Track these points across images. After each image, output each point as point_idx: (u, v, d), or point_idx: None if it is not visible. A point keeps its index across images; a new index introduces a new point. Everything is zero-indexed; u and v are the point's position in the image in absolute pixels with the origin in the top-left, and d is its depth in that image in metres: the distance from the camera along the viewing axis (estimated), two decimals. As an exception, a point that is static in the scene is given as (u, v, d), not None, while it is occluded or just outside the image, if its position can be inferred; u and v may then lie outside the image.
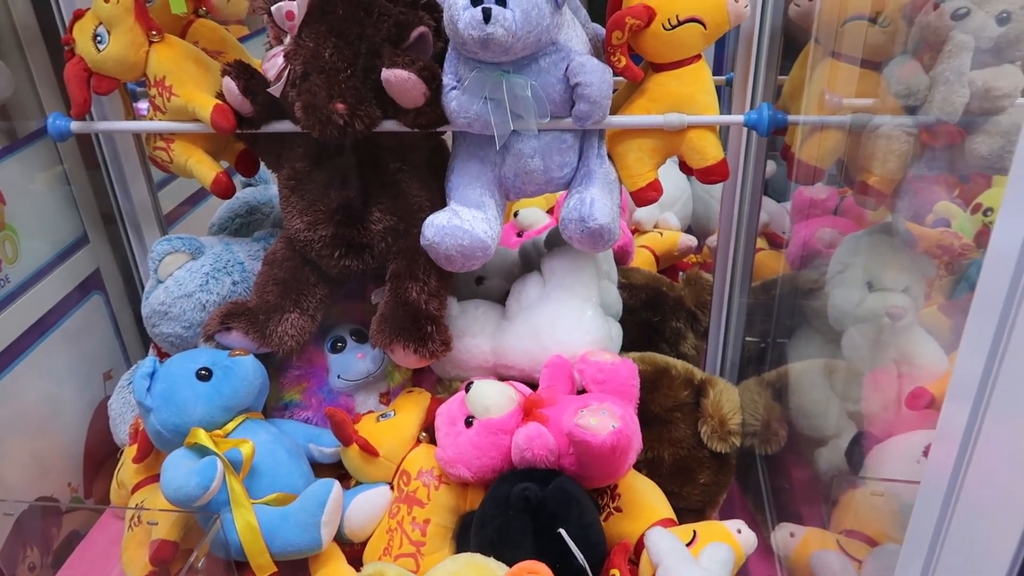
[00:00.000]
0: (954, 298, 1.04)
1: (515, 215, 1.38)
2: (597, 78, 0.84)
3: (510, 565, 0.74)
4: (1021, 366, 0.37)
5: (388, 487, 0.93)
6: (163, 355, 1.04)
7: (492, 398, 0.87)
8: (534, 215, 1.36)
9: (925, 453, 0.81)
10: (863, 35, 0.88)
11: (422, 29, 0.86)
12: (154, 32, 0.94)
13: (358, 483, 0.95)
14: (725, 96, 1.09)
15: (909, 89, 0.84)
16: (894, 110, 0.86)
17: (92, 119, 1.03)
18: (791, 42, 1.00)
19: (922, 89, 0.83)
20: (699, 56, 0.89)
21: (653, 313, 1.15)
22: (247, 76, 0.89)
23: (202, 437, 0.86)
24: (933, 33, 0.82)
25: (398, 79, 0.83)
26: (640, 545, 0.81)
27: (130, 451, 1.00)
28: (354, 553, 0.91)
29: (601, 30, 0.95)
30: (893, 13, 0.87)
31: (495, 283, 1.12)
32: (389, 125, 0.90)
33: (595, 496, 0.87)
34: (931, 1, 0.82)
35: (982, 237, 1.13)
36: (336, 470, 0.96)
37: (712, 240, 1.48)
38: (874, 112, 0.89)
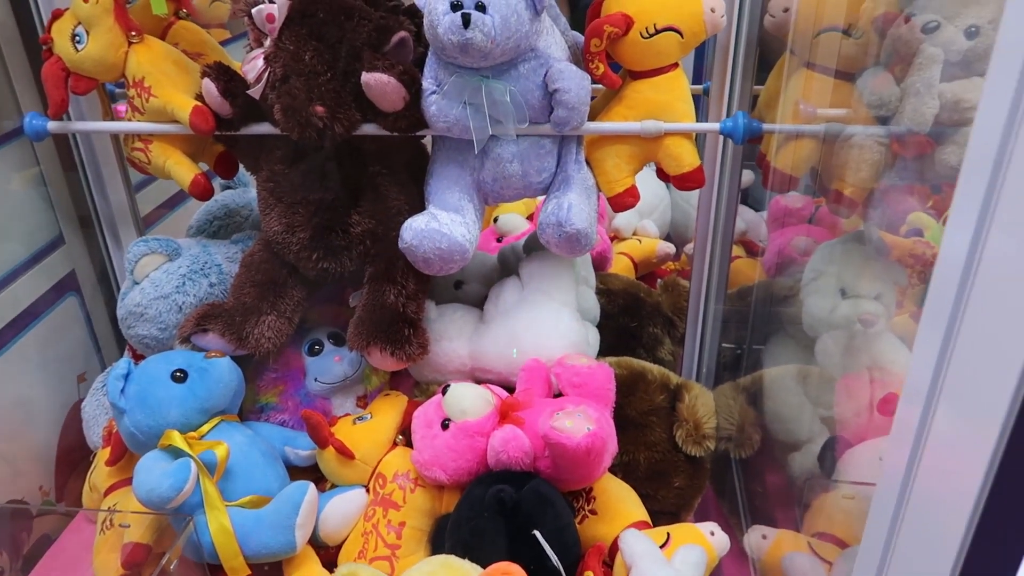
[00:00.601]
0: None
1: (495, 221, 1.39)
2: (576, 84, 0.85)
3: (484, 567, 0.74)
4: (966, 371, 0.38)
5: (364, 490, 0.93)
6: (138, 357, 1.03)
7: (469, 401, 0.87)
8: (514, 221, 1.37)
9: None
10: (837, 46, 0.90)
11: (402, 34, 0.87)
12: (133, 33, 0.94)
13: (334, 486, 0.95)
14: (703, 105, 1.11)
15: (881, 100, 0.86)
16: (866, 120, 0.87)
17: (70, 119, 1.03)
18: (767, 53, 1.02)
19: (893, 100, 0.85)
20: (676, 64, 0.91)
21: (631, 319, 1.16)
22: (227, 78, 0.89)
23: (176, 439, 0.85)
24: (904, 45, 0.84)
25: (378, 83, 0.84)
26: (614, 547, 0.82)
27: (103, 454, 0.99)
28: (329, 556, 0.91)
29: (580, 38, 0.96)
30: (866, 25, 0.88)
31: (473, 288, 1.12)
32: (368, 128, 0.90)
33: (570, 499, 0.88)
34: (902, 14, 0.84)
35: (953, 247, 1.16)
36: (312, 473, 0.96)
37: (690, 247, 1.49)
38: (847, 122, 0.91)
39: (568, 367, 0.91)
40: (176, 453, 0.85)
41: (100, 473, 0.99)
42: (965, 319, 0.38)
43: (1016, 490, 0.36)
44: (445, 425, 0.88)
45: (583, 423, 0.79)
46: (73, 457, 1.14)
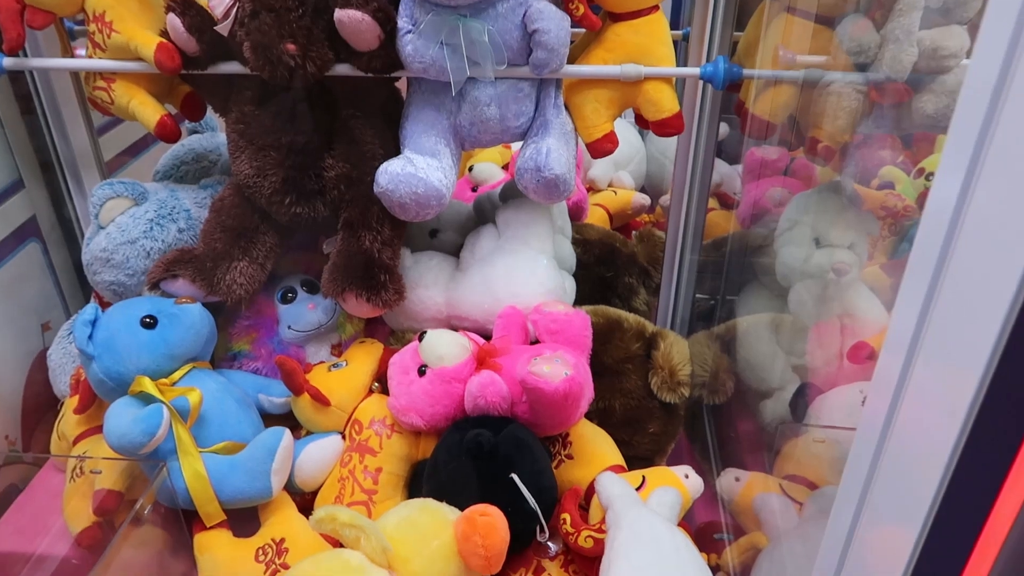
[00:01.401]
0: (895, 257, 1.07)
1: (470, 170, 1.37)
2: (555, 25, 0.83)
3: (462, 510, 0.74)
4: (949, 321, 0.38)
5: (340, 436, 0.92)
6: (104, 304, 1.00)
7: (446, 347, 0.87)
8: (489, 170, 1.35)
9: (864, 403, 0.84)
10: (818, -9, 0.89)
11: (377, -31, 0.84)
12: (92, -37, 0.89)
13: (309, 433, 0.95)
14: (681, 52, 1.10)
15: (860, 46, 0.85)
16: (846, 67, 0.87)
17: (26, 56, 0.98)
18: (747, -2, 1.01)
19: (873, 47, 0.84)
20: (657, 7, 0.89)
21: (606, 268, 1.16)
22: (192, 13, 0.86)
23: (147, 385, 0.84)
24: (885, -9, 0.83)
25: (351, 20, 0.81)
26: (590, 490, 0.83)
27: (71, 402, 0.97)
28: (305, 503, 0.91)
29: (559, -22, 0.94)
30: (847, -30, 0.88)
31: (449, 236, 1.11)
32: (342, 69, 0.87)
33: (547, 444, 0.88)
34: (884, -41, 0.83)
35: (924, 200, 1.17)
36: (287, 421, 0.95)
37: (665, 199, 1.49)
38: (826, 68, 0.90)
39: (545, 314, 0.90)
40: (147, 399, 0.83)
41: (68, 421, 0.98)
42: (951, 269, 0.38)
43: (991, 440, 0.37)
44: (422, 371, 0.87)
45: (561, 368, 0.80)
46: (39, 406, 1.11)
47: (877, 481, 0.46)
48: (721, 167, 1.47)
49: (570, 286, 1.04)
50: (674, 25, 1.18)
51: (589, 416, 0.95)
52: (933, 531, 0.39)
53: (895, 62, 0.83)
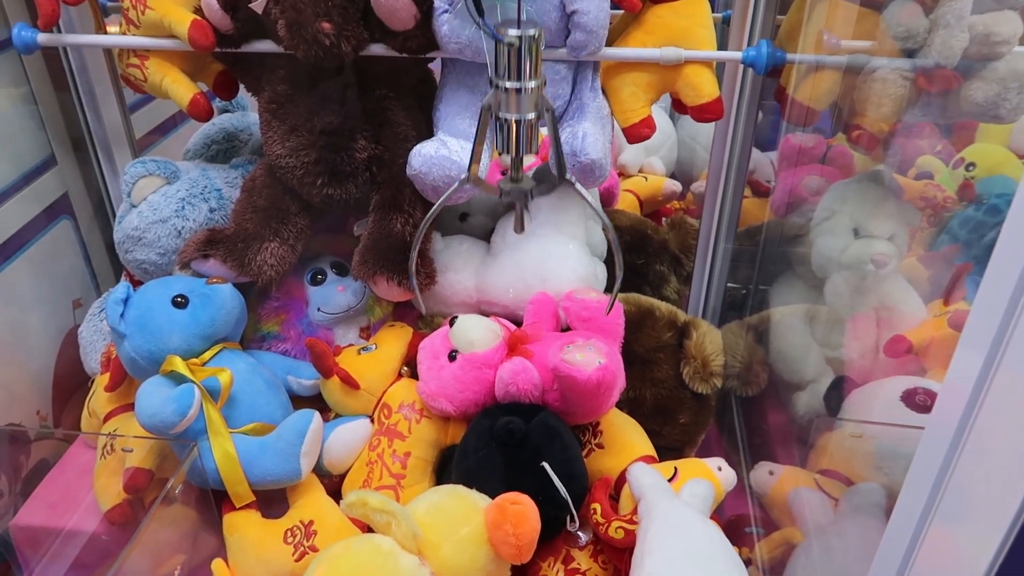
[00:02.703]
0: (934, 249, 1.05)
1: (500, 154, 1.35)
2: (595, 6, 0.81)
3: (492, 497, 0.74)
4: None
5: (368, 420, 0.92)
6: (135, 282, 1.00)
7: (476, 332, 0.86)
8: (519, 155, 1.33)
9: (903, 398, 0.82)
10: (865, -26, 0.87)
11: (414, -53, 0.82)
12: (127, -61, 0.89)
13: (337, 416, 0.94)
14: (721, 35, 1.07)
15: (908, 31, 0.82)
16: (892, 52, 0.84)
17: (60, 32, 0.98)
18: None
19: (921, 32, 0.82)
20: (699, -12, 0.87)
21: (637, 255, 1.14)
22: (227, -10, 0.85)
23: (178, 364, 0.84)
24: (935, -27, 0.80)
25: (388, -1, 0.80)
26: (621, 480, 0.82)
27: (102, 379, 0.98)
28: (333, 485, 0.91)
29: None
30: (896, -48, 0.85)
31: (479, 220, 1.10)
32: (376, 49, 0.86)
33: (577, 433, 0.87)
34: (935, -59, 0.81)
35: (964, 191, 1.14)
36: (315, 403, 0.95)
37: (696, 186, 1.47)
38: (872, 54, 0.88)
39: (577, 301, 0.89)
40: (178, 379, 0.83)
41: (99, 399, 0.98)
42: None
43: None
44: (452, 356, 0.87)
45: (594, 356, 0.78)
46: (70, 383, 1.12)
47: (951, 482, 0.43)
48: (754, 154, 1.44)
49: (601, 273, 1.02)
50: (714, 7, 1.16)
51: (620, 405, 0.94)
52: (1021, 535, 0.37)
53: (945, 48, 0.80)
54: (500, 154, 0.70)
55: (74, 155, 1.14)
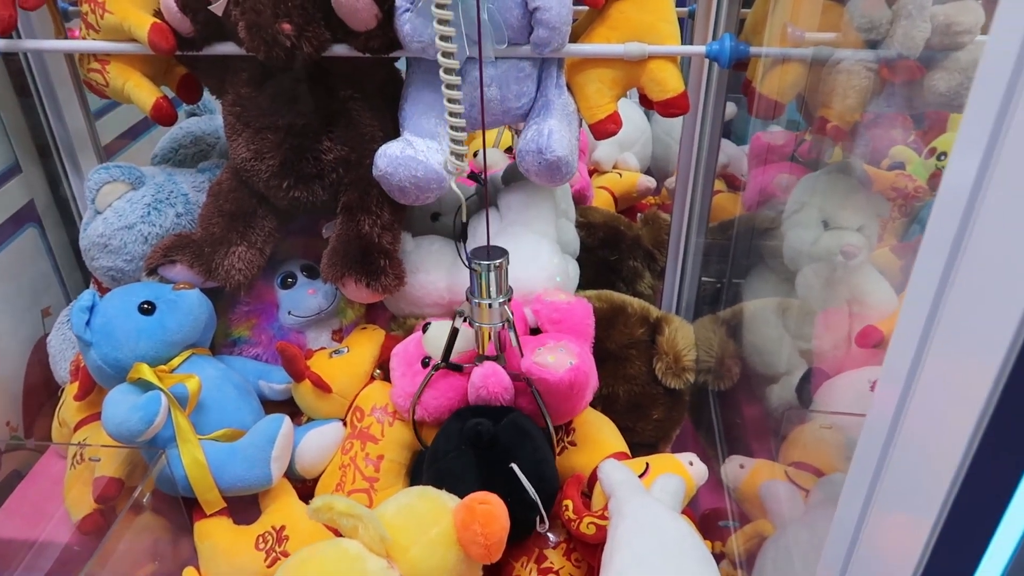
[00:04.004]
0: (906, 239, 1.05)
1: (475, 155, 1.35)
2: (556, 2, 0.81)
3: (462, 498, 0.73)
4: (965, 303, 0.36)
5: (341, 423, 0.92)
6: (104, 290, 0.99)
7: (443, 333, 0.85)
8: (492, 156, 1.33)
9: (873, 388, 0.83)
10: (828, -34, 0.87)
11: (374, -54, 0.82)
12: (84, -57, 0.87)
13: (310, 420, 0.94)
14: (687, 30, 1.07)
15: (871, 22, 0.83)
16: (856, 44, 0.85)
17: (19, 37, 0.97)
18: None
19: (884, 23, 0.82)
20: (662, -17, 0.87)
21: (610, 252, 1.14)
22: (186, -8, 0.84)
23: (145, 372, 0.83)
24: (897, -35, 0.80)
25: (348, -2, 0.79)
26: (593, 477, 0.82)
27: (71, 388, 0.97)
28: (306, 490, 0.90)
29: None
30: (858, -56, 0.85)
31: (451, 219, 1.09)
32: (339, 49, 0.85)
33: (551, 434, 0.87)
34: (896, -68, 0.81)
35: (935, 180, 1.15)
36: (287, 407, 0.94)
37: (670, 182, 1.47)
38: (836, 46, 0.88)
39: (547, 303, 0.89)
40: (146, 386, 0.83)
41: (69, 408, 0.97)
42: (968, 248, 0.36)
43: (1011, 427, 0.35)
44: (425, 363, 0.86)
45: (566, 357, 0.78)
46: (40, 393, 1.11)
47: (889, 469, 0.44)
48: (728, 148, 1.44)
49: (574, 271, 1.02)
50: (680, 2, 1.16)
51: (593, 403, 0.94)
52: (949, 520, 0.37)
53: (907, 38, 0.81)
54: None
55: (39, 161, 1.12)
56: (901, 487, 0.43)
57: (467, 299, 0.80)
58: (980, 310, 0.36)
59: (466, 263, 0.79)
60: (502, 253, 0.78)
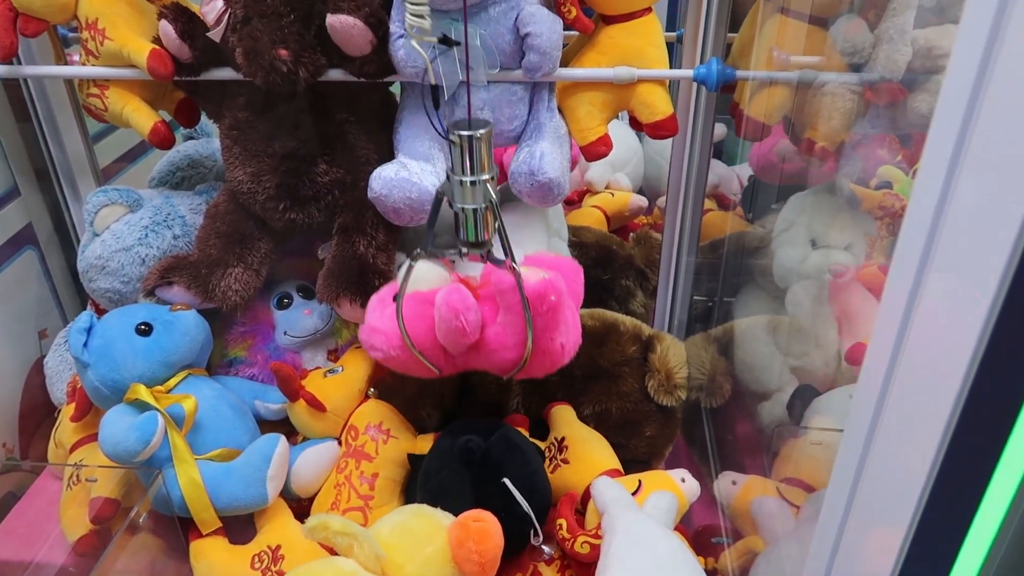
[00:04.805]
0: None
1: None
2: (547, 28, 0.83)
3: (457, 515, 0.74)
4: (932, 322, 0.38)
5: (336, 442, 0.92)
6: (101, 311, 1.00)
7: (423, 272, 0.78)
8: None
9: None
10: (811, -9, 0.89)
11: (368, -26, 0.84)
12: (85, -29, 0.89)
13: (305, 439, 0.94)
14: (676, 53, 1.09)
15: (854, 46, 0.85)
16: (840, 67, 0.87)
17: (20, 63, 0.98)
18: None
19: (867, 47, 0.84)
20: (649, 9, 0.89)
21: (603, 271, 1.16)
22: (185, 19, 0.86)
23: (142, 393, 0.84)
24: (878, -10, 0.83)
25: (343, 25, 0.81)
26: (587, 495, 0.82)
27: (68, 410, 0.97)
28: (301, 509, 0.91)
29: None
30: (840, -30, 0.87)
31: (445, 240, 1.10)
32: (335, 74, 0.87)
33: (542, 449, 0.88)
34: (877, -41, 0.83)
35: (922, 199, 1.17)
36: (282, 427, 0.95)
37: (662, 201, 1.49)
38: (821, 69, 0.90)
39: (534, 258, 0.82)
40: (142, 407, 0.83)
41: (65, 429, 0.98)
42: (932, 268, 0.38)
43: (975, 442, 0.37)
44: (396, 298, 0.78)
45: (540, 273, 0.73)
46: (37, 414, 1.11)
47: (864, 484, 0.46)
48: (719, 168, 1.46)
49: (566, 289, 1.03)
50: (671, 26, 1.18)
51: (586, 420, 0.95)
52: (919, 534, 0.39)
53: (889, 62, 0.83)
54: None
55: (38, 185, 1.14)
56: (875, 500, 0.45)
57: (447, 177, 0.72)
58: (945, 328, 0.37)
59: (441, 133, 0.70)
60: (484, 124, 0.69)
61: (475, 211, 0.72)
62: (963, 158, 0.36)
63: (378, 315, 0.79)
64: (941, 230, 0.37)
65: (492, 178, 0.71)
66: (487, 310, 0.77)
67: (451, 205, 0.73)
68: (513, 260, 0.73)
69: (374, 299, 0.83)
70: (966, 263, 0.36)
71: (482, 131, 0.68)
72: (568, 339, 0.77)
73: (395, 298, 0.79)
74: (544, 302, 0.72)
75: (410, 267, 0.77)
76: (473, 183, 0.70)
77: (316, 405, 0.91)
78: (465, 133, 0.68)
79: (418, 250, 0.77)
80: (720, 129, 1.28)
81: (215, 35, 0.85)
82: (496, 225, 0.74)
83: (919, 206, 0.38)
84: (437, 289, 0.78)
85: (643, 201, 1.45)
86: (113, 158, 1.28)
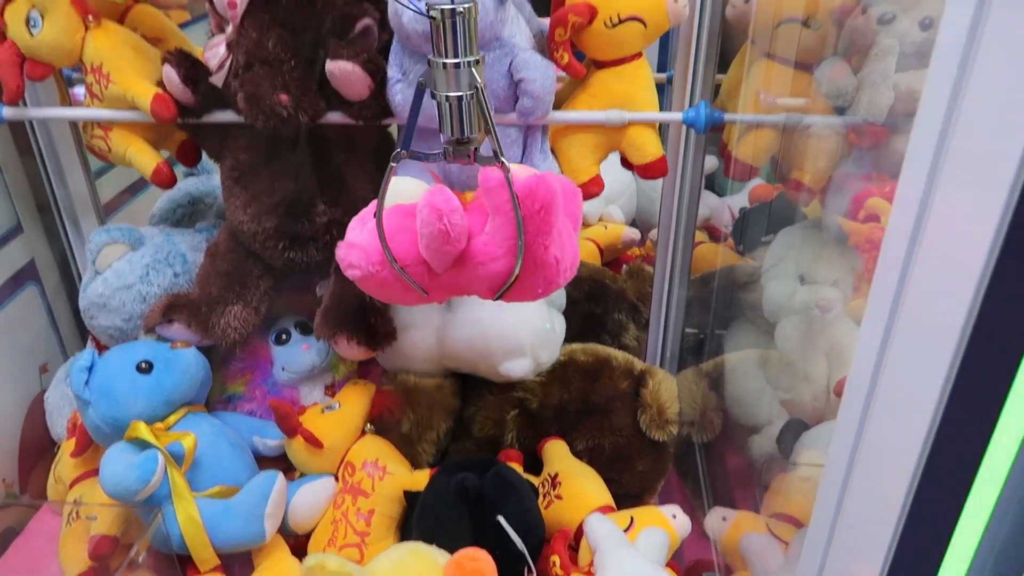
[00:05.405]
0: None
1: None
2: (540, 74, 0.85)
3: (452, 552, 0.75)
4: (905, 361, 0.40)
5: (333, 478, 0.93)
6: (102, 347, 1.02)
7: (405, 185, 0.74)
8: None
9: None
10: (796, 37, 0.92)
11: (367, 21, 0.86)
12: (90, 17, 0.92)
13: (302, 475, 0.96)
14: (667, 93, 1.12)
15: (838, 90, 0.87)
16: (824, 110, 0.89)
17: (26, 105, 1.00)
18: (729, 43, 1.03)
19: (850, 90, 0.87)
20: (640, 54, 0.92)
21: (596, 305, 1.17)
22: (188, 64, 0.88)
23: (142, 430, 0.85)
24: (861, 36, 0.85)
25: (342, 71, 0.83)
26: (580, 531, 0.84)
27: (68, 445, 0.98)
28: (299, 544, 0.92)
29: (545, 25, 0.96)
30: (824, 16, 0.90)
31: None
32: (334, 117, 0.90)
33: (536, 485, 0.89)
34: (859, 6, 0.86)
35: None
36: (281, 463, 0.96)
37: (655, 234, 1.51)
38: (806, 112, 0.93)
39: (529, 170, 0.75)
40: (143, 445, 0.85)
41: (65, 465, 0.99)
42: (904, 309, 0.40)
43: (946, 476, 0.39)
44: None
45: (531, 170, 0.67)
46: (37, 449, 1.12)
47: (842, 519, 0.48)
48: (710, 199, 1.49)
49: (560, 325, 1.05)
50: (662, 67, 1.21)
51: (579, 455, 0.96)
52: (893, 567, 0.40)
53: (872, 105, 0.85)
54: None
55: (40, 222, 1.16)
56: (852, 535, 0.46)
57: (428, 63, 0.63)
58: (915, 366, 0.39)
59: (418, 10, 0.61)
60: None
61: (460, 100, 0.63)
62: (933, 197, 0.38)
63: (357, 231, 0.72)
64: (914, 263, 0.39)
65: (478, 61, 0.62)
66: (474, 220, 0.69)
67: (433, 96, 0.64)
68: (502, 154, 0.65)
69: (355, 219, 0.75)
70: (936, 296, 0.38)
71: (467, 5, 0.60)
72: (563, 254, 0.69)
73: (376, 214, 0.70)
74: (536, 199, 0.64)
75: (391, 169, 0.69)
76: (457, 66, 0.61)
77: (313, 442, 0.92)
78: (447, 6, 0.59)
79: (399, 149, 0.69)
80: (711, 162, 1.30)
81: (217, 80, 0.87)
82: (485, 118, 0.65)
83: (893, 240, 0.40)
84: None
85: (636, 234, 1.47)
86: (115, 192, 1.30)
